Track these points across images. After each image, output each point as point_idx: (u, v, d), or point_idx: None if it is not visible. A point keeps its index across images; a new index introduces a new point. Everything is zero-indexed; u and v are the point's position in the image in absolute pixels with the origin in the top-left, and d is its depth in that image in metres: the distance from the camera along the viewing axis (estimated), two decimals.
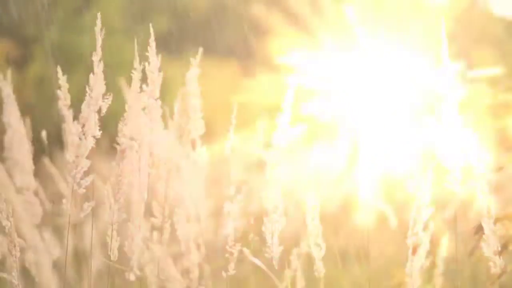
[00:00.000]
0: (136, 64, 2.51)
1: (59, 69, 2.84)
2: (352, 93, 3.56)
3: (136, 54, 2.52)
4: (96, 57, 2.47)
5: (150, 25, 2.58)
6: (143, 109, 2.56)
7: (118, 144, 2.49)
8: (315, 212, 2.69)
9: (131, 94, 2.52)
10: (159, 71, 2.56)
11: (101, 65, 2.47)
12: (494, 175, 3.84)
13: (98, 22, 2.46)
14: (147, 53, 2.55)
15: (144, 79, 2.58)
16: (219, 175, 2.58)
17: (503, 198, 5.31)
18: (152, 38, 2.54)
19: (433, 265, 3.38)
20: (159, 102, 2.55)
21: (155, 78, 2.56)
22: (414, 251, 2.40)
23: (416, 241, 2.39)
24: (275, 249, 2.48)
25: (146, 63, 2.54)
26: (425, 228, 2.87)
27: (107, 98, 2.48)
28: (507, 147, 3.40)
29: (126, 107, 2.53)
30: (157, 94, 2.56)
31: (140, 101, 2.52)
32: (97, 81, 2.46)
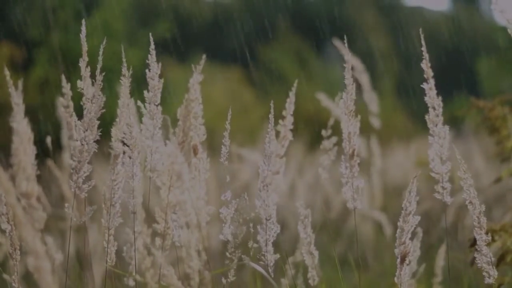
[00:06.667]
0: (124, 70, 2.52)
1: (63, 77, 2.86)
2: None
3: (124, 60, 2.53)
4: (83, 63, 2.49)
5: (150, 34, 2.60)
6: (144, 115, 2.58)
7: (112, 149, 2.50)
8: (307, 221, 2.69)
9: (122, 100, 2.53)
10: (160, 77, 2.57)
11: (88, 70, 2.49)
12: (492, 187, 3.85)
13: (83, 29, 2.48)
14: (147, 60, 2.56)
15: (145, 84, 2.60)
16: (221, 181, 2.59)
17: (501, 209, 5.32)
18: (152, 45, 2.55)
19: (432, 274, 3.39)
20: (160, 108, 2.57)
21: (155, 84, 2.58)
22: (403, 260, 2.40)
23: (404, 250, 2.39)
24: (269, 257, 2.47)
25: (147, 70, 2.55)
26: (413, 236, 2.88)
27: (95, 103, 2.49)
28: (504, 159, 3.41)
29: (118, 112, 2.54)
30: (158, 100, 2.58)
31: (131, 107, 2.54)
32: (86, 86, 2.48)
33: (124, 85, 2.54)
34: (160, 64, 2.57)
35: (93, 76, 2.49)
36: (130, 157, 2.50)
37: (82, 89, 2.49)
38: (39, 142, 3.15)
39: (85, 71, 2.50)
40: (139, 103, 2.60)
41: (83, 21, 2.49)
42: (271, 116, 2.46)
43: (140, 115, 2.61)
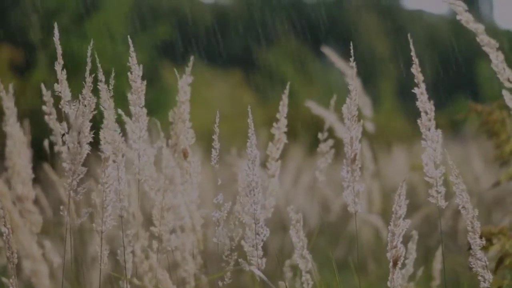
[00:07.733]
0: (100, 75, 2.52)
1: (42, 86, 2.88)
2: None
3: (99, 66, 2.53)
4: (59, 66, 2.50)
5: (128, 36, 2.61)
6: (130, 117, 2.60)
7: (101, 152, 2.50)
8: (299, 225, 2.68)
9: (105, 104, 2.54)
10: (142, 79, 2.58)
11: (64, 73, 2.50)
12: (491, 190, 3.85)
13: (56, 32, 2.49)
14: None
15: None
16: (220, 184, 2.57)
17: (500, 212, 5.32)
18: (132, 48, 2.55)
19: (430, 277, 3.38)
20: (145, 110, 2.58)
21: (138, 87, 2.58)
22: (395, 264, 2.39)
23: (396, 253, 2.38)
24: (258, 261, 2.45)
25: (128, 73, 2.57)
26: (407, 240, 2.87)
27: (74, 105, 2.49)
28: (503, 163, 3.40)
29: (105, 114, 2.55)
30: (142, 102, 2.58)
31: (113, 110, 2.55)
32: (63, 89, 2.49)
33: (102, 89, 2.53)
34: (141, 66, 2.58)
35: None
36: (114, 161, 2.50)
37: (60, 92, 2.50)
38: (39, 145, 3.14)
39: (61, 74, 2.50)
40: (131, 104, 2.60)
41: (55, 25, 2.50)
42: (250, 121, 2.46)
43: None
